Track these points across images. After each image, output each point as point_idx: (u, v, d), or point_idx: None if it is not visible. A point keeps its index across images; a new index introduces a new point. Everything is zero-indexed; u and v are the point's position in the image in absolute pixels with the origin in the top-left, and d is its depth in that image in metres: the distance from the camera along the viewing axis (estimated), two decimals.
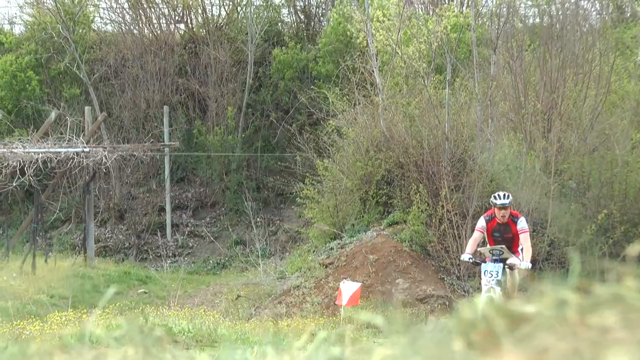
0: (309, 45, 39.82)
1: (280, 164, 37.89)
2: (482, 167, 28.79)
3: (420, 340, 2.30)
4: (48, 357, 2.78)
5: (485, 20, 34.66)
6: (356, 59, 34.49)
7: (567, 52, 30.26)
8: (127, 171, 38.50)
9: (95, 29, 41.54)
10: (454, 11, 34.70)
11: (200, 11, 41.70)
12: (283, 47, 39.61)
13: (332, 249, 28.88)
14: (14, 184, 30.40)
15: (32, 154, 30.74)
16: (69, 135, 31.98)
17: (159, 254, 36.87)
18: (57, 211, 36.02)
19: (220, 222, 38.28)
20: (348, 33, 35.71)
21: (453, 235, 28.02)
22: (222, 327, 19.52)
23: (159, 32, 41.30)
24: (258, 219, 37.41)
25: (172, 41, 40.74)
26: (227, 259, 36.19)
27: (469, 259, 15.51)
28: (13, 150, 30.60)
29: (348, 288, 20.91)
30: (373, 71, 32.48)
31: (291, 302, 26.63)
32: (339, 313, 22.60)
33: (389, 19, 33.18)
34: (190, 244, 37.75)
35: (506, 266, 15.20)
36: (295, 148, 36.44)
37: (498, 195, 15.70)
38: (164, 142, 37.81)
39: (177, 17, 41.75)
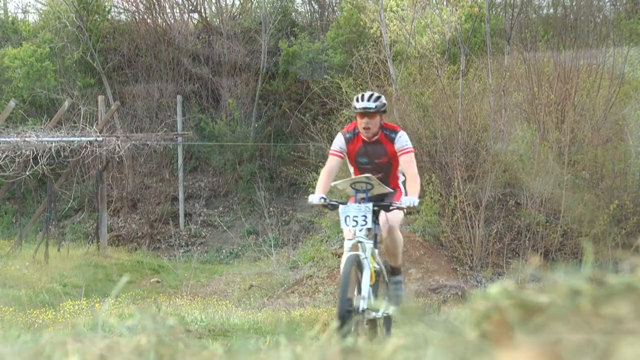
0: (321, 36, 39.75)
1: (293, 153, 37.82)
2: (496, 158, 28.76)
3: (433, 331, 2.30)
4: (61, 345, 2.78)
5: (499, 10, 34.60)
6: (370, 49, 34.46)
7: (580, 42, 30.20)
8: (140, 160, 38.52)
9: (109, 18, 41.57)
10: (468, 1, 34.61)
11: (214, 0, 41.70)
12: (293, 38, 39.56)
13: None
14: (27, 173, 30.46)
15: (46, 142, 30.78)
16: (82, 124, 32.01)
17: (171, 244, 36.91)
18: (70, 200, 36.09)
19: (233, 211, 38.29)
20: (361, 23, 35.65)
21: (466, 225, 27.99)
22: (234, 317, 19.58)
23: (172, 21, 41.30)
24: (271, 209, 37.42)
25: (185, 30, 40.73)
26: (239, 248, 36.20)
27: (320, 198, 9.60)
28: (26, 139, 30.65)
29: None
30: (386, 61, 32.47)
31: (304, 292, 26.66)
32: None
33: (402, 9, 33.14)
34: (203, 234, 37.77)
35: (377, 208, 9.66)
36: (308, 138, 36.39)
37: (362, 95, 9.98)
38: (177, 131, 37.87)
39: (190, 7, 41.76)
